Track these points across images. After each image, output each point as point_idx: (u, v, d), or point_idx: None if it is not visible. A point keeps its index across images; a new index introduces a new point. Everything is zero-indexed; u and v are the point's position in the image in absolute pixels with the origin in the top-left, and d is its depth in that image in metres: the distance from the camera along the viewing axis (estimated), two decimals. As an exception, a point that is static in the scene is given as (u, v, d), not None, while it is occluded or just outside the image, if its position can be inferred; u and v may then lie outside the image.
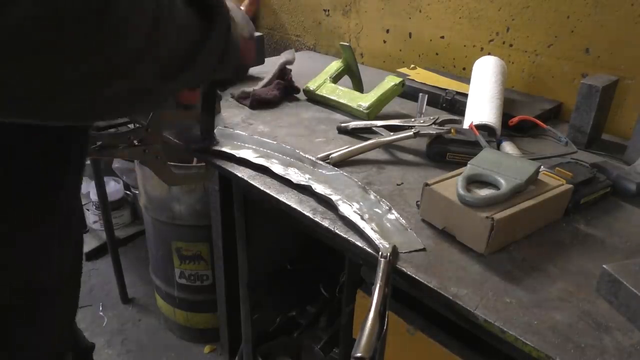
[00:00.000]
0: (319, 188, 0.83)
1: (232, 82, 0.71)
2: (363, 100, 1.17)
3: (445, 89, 1.28)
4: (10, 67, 0.31)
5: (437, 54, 1.49)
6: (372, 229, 0.73)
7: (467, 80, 1.25)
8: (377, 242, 0.70)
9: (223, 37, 0.50)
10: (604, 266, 0.63)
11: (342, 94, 1.23)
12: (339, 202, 0.79)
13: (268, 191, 0.85)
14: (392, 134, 1.01)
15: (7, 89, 0.32)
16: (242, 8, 0.70)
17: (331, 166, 0.92)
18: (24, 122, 0.37)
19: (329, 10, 1.74)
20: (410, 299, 0.75)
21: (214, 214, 1.23)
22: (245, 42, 0.61)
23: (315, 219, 0.78)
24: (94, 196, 2.09)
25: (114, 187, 2.24)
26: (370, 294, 0.66)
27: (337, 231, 0.75)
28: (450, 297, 0.62)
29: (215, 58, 0.50)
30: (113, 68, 0.36)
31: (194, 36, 0.46)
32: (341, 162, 0.94)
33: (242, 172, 0.90)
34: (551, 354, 0.55)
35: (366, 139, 1.01)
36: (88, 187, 2.24)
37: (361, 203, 0.80)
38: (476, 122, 1.04)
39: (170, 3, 0.41)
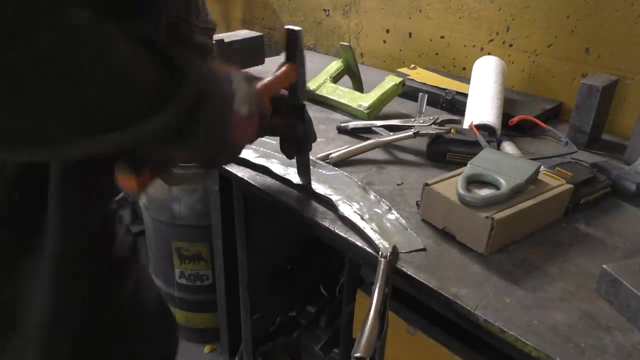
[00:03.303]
0: (319, 188, 0.83)
1: (216, 162, 0.63)
2: (363, 100, 1.17)
3: (445, 89, 1.28)
4: None
5: (437, 54, 1.49)
6: (372, 229, 0.73)
7: (467, 80, 1.25)
8: (377, 242, 0.70)
9: (182, 108, 0.42)
10: (604, 266, 0.63)
11: (342, 94, 1.23)
12: (339, 202, 0.79)
13: (268, 191, 0.85)
14: (392, 133, 1.01)
15: None
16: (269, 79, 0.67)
17: (331, 166, 0.92)
18: None
19: (329, 10, 1.74)
20: (410, 299, 0.75)
21: (214, 214, 1.23)
22: (240, 120, 0.54)
23: (315, 219, 0.78)
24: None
25: (114, 187, 2.24)
26: (370, 294, 0.66)
27: (337, 231, 0.75)
28: (450, 297, 0.62)
29: (165, 129, 0.41)
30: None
31: (141, 92, 0.40)
32: (341, 162, 0.94)
33: (242, 172, 0.90)
34: (551, 354, 0.55)
35: (366, 139, 1.01)
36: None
37: (361, 203, 0.80)
38: (476, 122, 1.04)
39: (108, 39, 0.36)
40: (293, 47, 0.70)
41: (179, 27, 0.52)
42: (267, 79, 0.67)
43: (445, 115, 1.06)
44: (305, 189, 0.84)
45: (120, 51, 0.38)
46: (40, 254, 0.48)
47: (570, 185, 0.78)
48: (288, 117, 0.74)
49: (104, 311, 0.67)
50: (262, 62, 1.48)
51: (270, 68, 0.71)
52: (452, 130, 0.96)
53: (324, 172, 0.89)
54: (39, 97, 0.33)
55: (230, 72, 0.54)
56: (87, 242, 0.53)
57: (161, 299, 0.83)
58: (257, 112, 0.58)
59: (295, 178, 0.86)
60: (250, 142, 0.63)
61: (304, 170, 0.83)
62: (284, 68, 0.69)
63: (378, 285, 0.61)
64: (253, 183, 0.87)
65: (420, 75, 1.38)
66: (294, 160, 0.92)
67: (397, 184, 0.88)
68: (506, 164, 0.76)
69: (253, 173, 0.90)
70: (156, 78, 0.41)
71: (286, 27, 0.68)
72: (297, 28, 0.68)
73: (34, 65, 0.31)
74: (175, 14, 0.51)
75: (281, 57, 0.72)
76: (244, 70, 0.60)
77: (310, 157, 0.93)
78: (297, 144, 0.79)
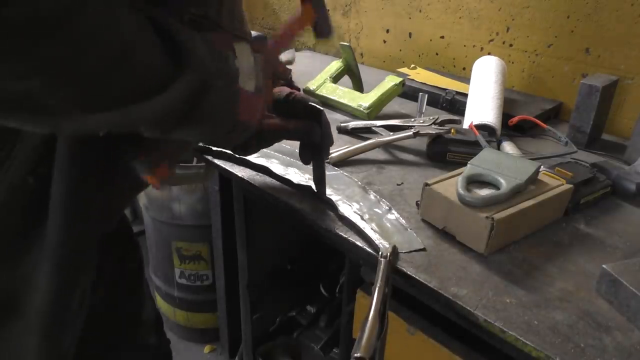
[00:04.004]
0: (319, 188, 0.83)
1: (227, 143, 0.63)
2: (363, 100, 1.17)
3: (445, 89, 1.28)
4: None
5: (437, 54, 1.49)
6: (372, 229, 0.73)
7: (467, 80, 1.25)
8: (377, 242, 0.70)
9: (187, 90, 0.41)
10: (604, 266, 0.63)
11: (342, 94, 1.23)
12: (339, 202, 0.79)
13: (268, 191, 0.85)
14: (392, 133, 1.01)
15: None
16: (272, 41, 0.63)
17: (331, 166, 0.92)
18: None
19: (329, 10, 1.74)
20: (410, 299, 0.75)
21: (214, 214, 1.23)
22: (247, 96, 0.51)
23: (315, 219, 0.78)
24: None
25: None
26: (370, 294, 0.66)
27: (337, 231, 0.75)
28: (450, 297, 0.62)
29: (167, 112, 0.41)
30: None
31: (143, 71, 0.38)
32: (341, 162, 0.94)
33: (242, 172, 0.90)
34: (551, 354, 0.55)
35: (366, 139, 1.01)
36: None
37: (361, 203, 0.80)
38: (476, 122, 1.04)
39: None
40: None
41: (203, 26, 0.50)
42: (279, 31, 0.64)
43: (445, 115, 1.06)
44: (305, 189, 0.84)
45: (127, 25, 0.36)
46: (44, 242, 0.48)
47: (570, 185, 0.78)
48: (305, 120, 0.72)
49: (105, 308, 0.67)
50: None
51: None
52: (452, 130, 0.96)
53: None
54: (37, 60, 0.31)
55: (231, 45, 0.50)
56: (93, 234, 0.52)
57: (158, 317, 0.84)
58: (265, 86, 0.54)
59: (295, 178, 0.86)
60: (256, 124, 0.57)
61: (319, 176, 0.80)
62: (298, 10, 0.65)
63: (378, 285, 0.61)
64: (253, 183, 0.87)
65: (420, 75, 1.38)
66: (294, 160, 0.92)
67: (397, 184, 0.88)
68: (506, 164, 0.76)
69: (253, 173, 0.90)
70: (160, 58, 0.40)
71: None
72: None
73: (36, 24, 0.30)
74: (201, 13, 0.49)
75: (281, 57, 0.71)
76: (247, 36, 0.54)
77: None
78: (313, 149, 0.76)
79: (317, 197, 0.82)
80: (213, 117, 0.47)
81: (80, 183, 0.47)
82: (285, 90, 0.73)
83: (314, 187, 0.83)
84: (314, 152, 0.77)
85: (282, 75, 0.67)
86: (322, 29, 0.68)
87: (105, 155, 0.49)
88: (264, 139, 0.72)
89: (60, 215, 0.47)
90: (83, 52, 0.33)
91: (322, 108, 0.73)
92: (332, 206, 0.79)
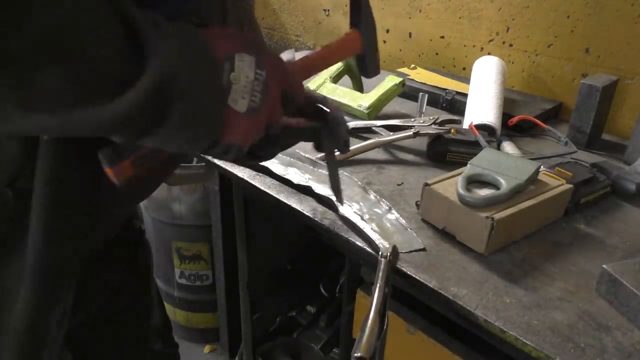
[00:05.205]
0: (319, 188, 0.83)
1: (214, 156, 0.51)
2: (363, 100, 1.17)
3: (445, 89, 1.28)
4: None
5: (437, 54, 1.49)
6: (372, 229, 0.73)
7: (467, 80, 1.25)
8: (377, 242, 0.70)
9: (146, 95, 0.35)
10: (604, 266, 0.63)
11: (342, 94, 1.23)
12: (339, 203, 0.79)
13: (268, 191, 0.85)
14: (392, 133, 1.01)
15: None
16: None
17: (331, 166, 0.91)
18: None
19: (329, 10, 1.74)
20: (410, 299, 0.75)
21: (214, 214, 1.23)
22: (234, 116, 0.43)
23: (315, 219, 0.78)
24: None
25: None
26: (370, 294, 0.66)
27: (337, 231, 0.75)
28: (450, 297, 0.62)
29: (125, 122, 0.35)
30: None
31: (99, 73, 0.33)
32: (341, 162, 0.94)
33: (242, 172, 0.90)
34: (551, 354, 0.55)
35: (366, 139, 1.01)
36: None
37: (361, 203, 0.80)
38: (476, 122, 1.04)
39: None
40: (356, 9, 0.55)
41: None
42: (318, 49, 0.55)
43: (445, 115, 1.06)
44: (305, 189, 0.84)
45: (84, 13, 0.31)
46: (24, 257, 0.46)
47: (570, 185, 0.78)
48: (313, 120, 0.63)
49: (110, 312, 0.66)
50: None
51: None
52: (452, 130, 0.96)
53: (324, 172, 0.89)
54: None
55: (232, 53, 0.43)
56: (77, 252, 0.50)
57: (165, 324, 0.81)
58: (267, 106, 0.47)
59: (295, 178, 0.86)
60: (245, 147, 0.48)
61: (334, 184, 0.72)
62: (344, 35, 0.56)
63: (378, 285, 0.61)
64: (253, 183, 0.87)
65: (420, 75, 1.38)
66: (294, 160, 0.92)
67: (397, 184, 0.88)
68: (506, 164, 0.76)
69: (253, 173, 0.90)
70: (120, 53, 0.34)
71: None
72: None
73: None
74: (205, 22, 0.46)
75: (284, 56, 0.69)
76: (267, 53, 0.47)
77: (310, 157, 0.93)
78: (324, 153, 0.68)
79: (317, 198, 0.82)
80: (184, 130, 0.40)
81: (62, 199, 0.45)
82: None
83: (313, 187, 0.83)
84: (325, 157, 0.70)
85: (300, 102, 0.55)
86: (366, 66, 0.59)
87: (86, 168, 0.46)
88: (274, 142, 0.60)
89: (40, 233, 0.45)
90: (1, 34, 0.28)
91: (328, 109, 0.62)
92: (332, 206, 0.79)
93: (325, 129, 0.63)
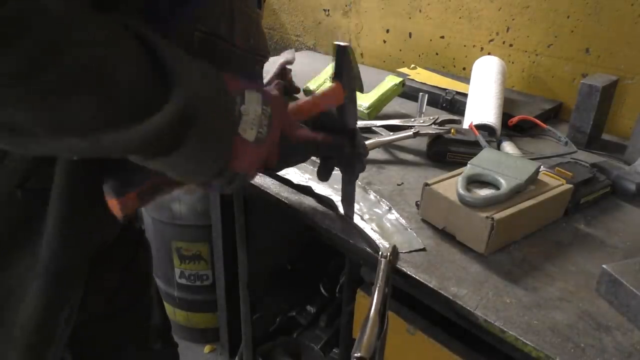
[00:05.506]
0: (319, 188, 0.83)
1: (215, 187, 0.51)
2: (363, 100, 1.17)
3: (445, 89, 1.28)
4: None
5: (437, 54, 1.49)
6: (372, 229, 0.73)
7: (467, 80, 1.25)
8: (377, 242, 0.70)
9: (172, 118, 0.37)
10: (604, 266, 0.63)
11: (342, 94, 1.23)
12: (339, 203, 0.79)
13: (268, 191, 0.85)
14: (392, 133, 1.01)
15: None
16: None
17: (331, 166, 0.91)
18: None
19: (329, 10, 1.74)
20: (410, 299, 0.75)
21: (214, 213, 1.23)
22: (243, 144, 0.46)
23: (315, 219, 0.78)
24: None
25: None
26: (370, 294, 0.66)
27: (337, 231, 0.75)
28: (450, 297, 0.62)
29: (148, 144, 0.37)
30: None
31: (127, 100, 0.35)
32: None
33: (242, 172, 0.90)
34: (551, 354, 0.55)
35: (366, 139, 1.01)
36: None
37: (361, 203, 0.80)
38: (476, 122, 1.04)
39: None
40: (340, 64, 0.60)
41: (216, 45, 0.48)
42: (306, 98, 0.59)
43: (445, 115, 1.06)
44: (305, 189, 0.84)
45: (101, 36, 0.33)
46: (36, 256, 0.47)
47: (570, 185, 0.78)
48: (334, 135, 0.63)
49: (110, 311, 0.66)
50: (262, 62, 1.47)
51: (270, 68, 0.70)
52: (452, 130, 0.96)
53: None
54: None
55: (242, 89, 0.46)
56: (88, 251, 0.51)
57: (165, 324, 0.81)
58: (271, 139, 0.49)
59: (295, 178, 0.86)
60: (252, 176, 0.52)
61: (348, 198, 0.74)
62: (328, 86, 0.60)
63: (378, 285, 0.61)
64: (253, 183, 0.87)
65: (420, 75, 1.38)
66: (294, 161, 0.92)
67: (397, 184, 0.88)
68: (506, 164, 0.76)
69: (253, 173, 0.90)
70: (146, 81, 0.37)
71: (335, 42, 0.60)
72: (343, 44, 0.59)
73: None
74: (211, 31, 0.47)
75: (281, 57, 0.69)
76: (267, 88, 0.51)
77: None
78: (345, 169, 0.69)
79: (317, 198, 0.82)
80: (196, 155, 0.42)
81: (78, 203, 0.47)
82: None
83: (313, 187, 0.83)
84: (343, 175, 0.71)
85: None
86: (345, 117, 0.62)
87: (97, 170, 0.47)
88: (290, 154, 0.59)
89: (55, 234, 0.46)
90: (41, 67, 0.30)
91: (356, 127, 0.65)
92: (332, 206, 0.79)
93: (351, 144, 0.65)
